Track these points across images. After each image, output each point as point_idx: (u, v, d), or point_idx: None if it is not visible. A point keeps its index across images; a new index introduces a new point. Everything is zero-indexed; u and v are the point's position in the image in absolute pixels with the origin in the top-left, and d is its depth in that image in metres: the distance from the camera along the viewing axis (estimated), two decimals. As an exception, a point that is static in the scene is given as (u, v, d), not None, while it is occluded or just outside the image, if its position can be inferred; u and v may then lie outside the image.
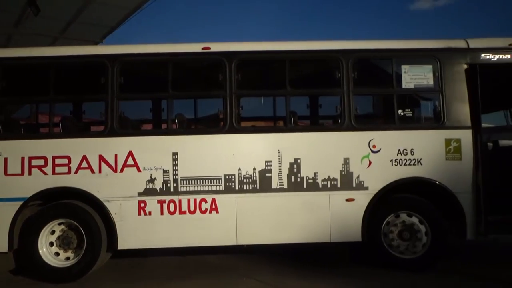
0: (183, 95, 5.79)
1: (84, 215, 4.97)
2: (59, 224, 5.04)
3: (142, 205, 5.00)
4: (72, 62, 5.36)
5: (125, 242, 5.01)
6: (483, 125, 5.29)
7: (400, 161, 5.15)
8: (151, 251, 5.82)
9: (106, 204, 4.98)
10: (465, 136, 5.18)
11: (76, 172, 5.00)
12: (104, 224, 5.01)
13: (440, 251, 5.14)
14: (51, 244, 5.02)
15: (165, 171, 5.05)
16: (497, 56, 5.31)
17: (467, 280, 4.85)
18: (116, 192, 4.99)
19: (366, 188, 5.12)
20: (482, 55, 5.31)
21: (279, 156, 5.12)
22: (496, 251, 6.16)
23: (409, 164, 5.14)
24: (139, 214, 5.00)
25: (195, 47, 5.32)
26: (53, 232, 5.03)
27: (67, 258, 5.03)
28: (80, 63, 5.40)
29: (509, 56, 5.32)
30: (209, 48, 5.28)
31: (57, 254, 5.02)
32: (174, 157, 5.07)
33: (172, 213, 5.03)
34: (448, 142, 5.17)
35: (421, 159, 5.14)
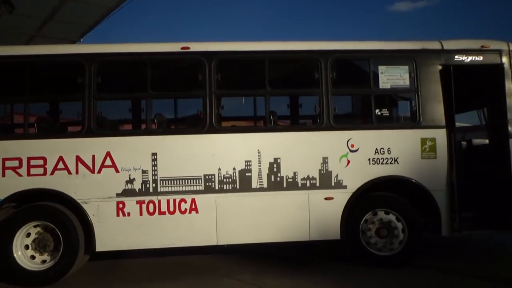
0: (162, 95, 5.75)
1: (61, 217, 4.88)
2: (35, 226, 4.93)
3: (120, 206, 4.95)
4: (48, 61, 5.27)
5: (103, 244, 4.95)
6: (459, 124, 5.44)
7: (378, 160, 5.24)
8: (130, 253, 5.77)
9: (83, 205, 4.91)
10: (440, 135, 5.32)
11: (52, 173, 4.91)
12: (81, 226, 4.93)
13: (416, 248, 5.26)
14: (27, 247, 4.90)
15: (144, 172, 5.00)
16: (470, 58, 5.48)
17: (445, 274, 4.98)
18: (94, 193, 4.92)
19: (345, 187, 5.20)
20: (456, 56, 5.46)
21: (258, 155, 5.14)
22: (464, 246, 6.34)
23: (386, 163, 5.24)
24: (118, 215, 4.94)
25: (174, 47, 5.29)
26: (28, 235, 4.92)
27: (43, 261, 4.92)
28: (57, 62, 5.31)
29: (481, 58, 5.49)
30: (188, 48, 5.26)
31: (32, 257, 4.91)
32: (153, 157, 5.03)
33: (151, 214, 4.99)
34: (423, 141, 5.30)
35: (397, 158, 5.25)
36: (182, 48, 5.25)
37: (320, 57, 5.32)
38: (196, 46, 5.30)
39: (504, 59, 5.47)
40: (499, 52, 5.49)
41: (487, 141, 6.24)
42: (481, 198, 5.45)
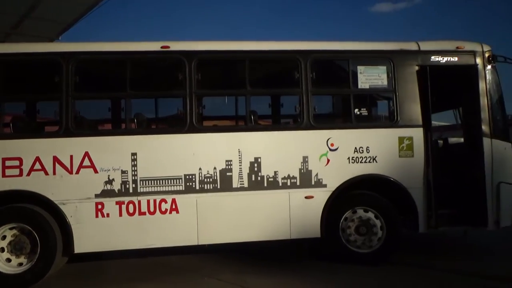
0: (142, 95, 5.70)
1: (38, 219, 4.78)
2: (11, 228, 4.81)
3: (99, 207, 4.89)
4: (24, 59, 5.15)
5: (82, 245, 4.88)
6: (438, 123, 5.56)
7: (357, 158, 5.32)
8: (110, 254, 5.69)
9: (61, 207, 4.82)
10: (417, 134, 5.43)
11: (28, 174, 4.81)
12: (59, 228, 4.84)
13: (394, 245, 5.36)
14: (2, 250, 4.78)
15: (123, 172, 4.95)
16: (445, 58, 5.61)
17: (422, 270, 5.09)
18: (72, 194, 4.84)
19: (325, 186, 5.26)
20: (432, 57, 5.59)
21: (239, 155, 5.15)
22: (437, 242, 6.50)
23: (365, 162, 5.33)
24: (97, 216, 4.88)
25: (154, 46, 5.25)
26: (4, 238, 4.80)
27: (20, 264, 4.81)
28: (33, 60, 5.20)
29: (456, 59, 5.63)
30: (168, 47, 5.23)
31: (8, 260, 4.79)
32: (133, 157, 4.99)
33: (131, 215, 4.95)
34: (401, 140, 5.40)
35: (376, 156, 5.34)
36: (162, 47, 5.21)
37: (300, 57, 5.36)
38: (176, 45, 5.28)
39: (478, 60, 5.62)
40: (473, 53, 5.64)
41: (462, 139, 6.41)
42: (457, 195, 5.60)
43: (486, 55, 5.64)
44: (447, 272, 4.98)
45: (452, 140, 6.42)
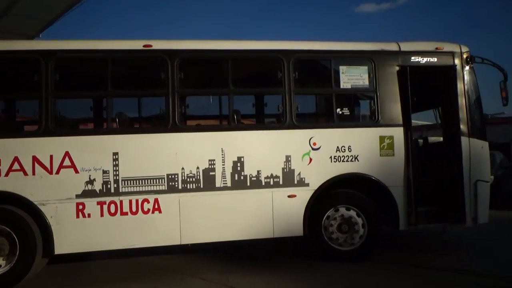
0: (124, 94, 5.64)
1: (17, 220, 4.69)
2: (-11, 230, 4.73)
3: (80, 207, 4.83)
4: (3, 57, 5.04)
5: (62, 246, 4.81)
6: (421, 123, 5.66)
7: (339, 157, 5.39)
8: (91, 255, 5.63)
9: (41, 207, 4.75)
10: (397, 134, 5.52)
11: (6, 174, 4.71)
12: (39, 229, 4.76)
13: (375, 242, 5.45)
14: (-20, 252, 4.69)
15: (105, 172, 4.90)
16: (425, 59, 5.72)
17: (402, 266, 5.19)
18: (52, 195, 4.77)
19: (307, 185, 5.30)
20: (412, 57, 5.68)
21: (222, 154, 5.16)
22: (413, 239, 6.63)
23: (347, 161, 5.39)
24: (77, 217, 4.82)
25: (136, 44, 5.21)
26: (-19, 239, 4.71)
27: (-2, 266, 4.73)
28: (12, 58, 5.10)
29: (435, 59, 5.74)
30: (150, 45, 5.19)
31: (-14, 262, 4.71)
32: (114, 157, 4.94)
33: (113, 215, 4.90)
34: (382, 139, 5.49)
35: (357, 155, 5.41)
36: (144, 46, 5.17)
37: (283, 56, 5.39)
38: (159, 44, 5.24)
39: (457, 61, 5.75)
40: (452, 54, 5.76)
41: (442, 139, 6.54)
42: (436, 193, 5.72)
43: (464, 56, 5.77)
44: (425, 268, 5.08)
45: (432, 139, 6.54)
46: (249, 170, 5.19)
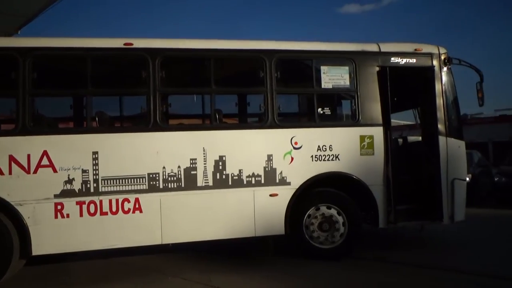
0: (104, 92, 5.57)
1: (-8, 221, 4.59)
2: (-37, 231, 4.61)
3: (59, 207, 4.75)
4: None
5: (40, 247, 4.72)
6: (404, 122, 5.75)
7: (320, 156, 5.44)
8: (71, 256, 5.54)
9: (18, 208, 4.65)
10: (377, 133, 5.61)
11: (-19, 174, 4.61)
12: (16, 229, 4.67)
13: (356, 240, 5.53)
14: (-47, 253, 4.58)
15: (84, 171, 4.83)
16: (404, 60, 5.82)
17: (381, 263, 5.28)
18: (29, 195, 4.68)
19: (289, 184, 5.34)
20: (392, 58, 5.78)
21: (204, 153, 5.15)
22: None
23: (328, 160, 5.45)
24: (56, 217, 4.74)
25: (117, 42, 5.15)
26: (-45, 240, 4.59)
27: (-27, 268, 4.61)
28: None
29: (414, 60, 5.85)
30: (131, 44, 5.14)
31: (-39, 263, 4.59)
32: (94, 156, 4.88)
33: (92, 215, 4.84)
34: (362, 138, 5.57)
35: (338, 154, 5.48)
36: (125, 44, 5.12)
37: (265, 56, 5.41)
38: (140, 43, 5.20)
39: (435, 62, 5.87)
40: (430, 55, 5.89)
41: (420, 138, 6.66)
42: (415, 191, 5.84)
43: (442, 57, 5.90)
44: (405, 265, 5.19)
45: (411, 138, 6.66)
46: (231, 169, 5.20)
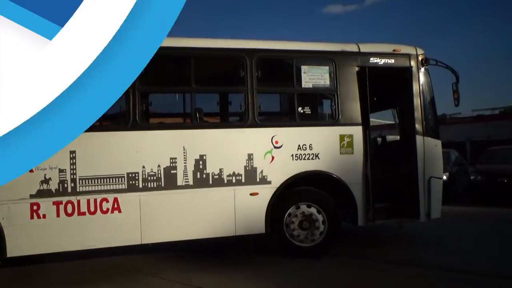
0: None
1: (-35, 222, 4.47)
2: None
3: (35, 207, 4.66)
4: None
5: (15, 249, 4.62)
6: (386, 122, 5.85)
7: (300, 155, 5.48)
8: (48, 257, 5.44)
9: (-9, 208, 4.54)
10: (357, 132, 5.69)
11: (-47, 174, 4.47)
12: (-11, 231, 4.56)
13: (335, 238, 5.59)
14: None
15: (61, 171, 4.75)
16: (383, 60, 5.91)
17: (360, 261, 5.36)
18: (4, 195, 4.55)
19: (269, 182, 5.36)
20: (371, 59, 5.86)
21: (184, 152, 5.12)
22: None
23: (308, 159, 5.50)
24: (32, 217, 4.64)
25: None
26: None
27: None
28: None
29: (393, 61, 5.95)
30: None
31: None
32: (71, 155, 4.79)
33: (69, 215, 4.76)
34: (342, 137, 5.63)
35: (318, 153, 5.53)
36: None
37: (245, 55, 5.41)
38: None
39: (413, 63, 5.99)
40: (408, 56, 6.00)
41: (399, 137, 6.80)
42: (393, 190, 5.94)
43: (420, 58, 6.02)
44: (381, 262, 5.29)
45: (390, 137, 6.79)
46: (211, 168, 5.19)
